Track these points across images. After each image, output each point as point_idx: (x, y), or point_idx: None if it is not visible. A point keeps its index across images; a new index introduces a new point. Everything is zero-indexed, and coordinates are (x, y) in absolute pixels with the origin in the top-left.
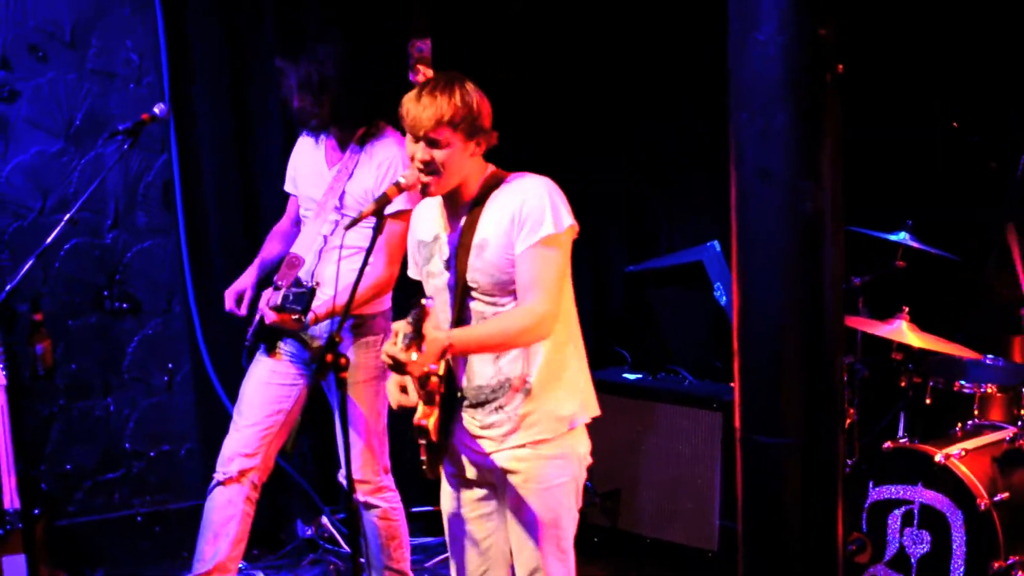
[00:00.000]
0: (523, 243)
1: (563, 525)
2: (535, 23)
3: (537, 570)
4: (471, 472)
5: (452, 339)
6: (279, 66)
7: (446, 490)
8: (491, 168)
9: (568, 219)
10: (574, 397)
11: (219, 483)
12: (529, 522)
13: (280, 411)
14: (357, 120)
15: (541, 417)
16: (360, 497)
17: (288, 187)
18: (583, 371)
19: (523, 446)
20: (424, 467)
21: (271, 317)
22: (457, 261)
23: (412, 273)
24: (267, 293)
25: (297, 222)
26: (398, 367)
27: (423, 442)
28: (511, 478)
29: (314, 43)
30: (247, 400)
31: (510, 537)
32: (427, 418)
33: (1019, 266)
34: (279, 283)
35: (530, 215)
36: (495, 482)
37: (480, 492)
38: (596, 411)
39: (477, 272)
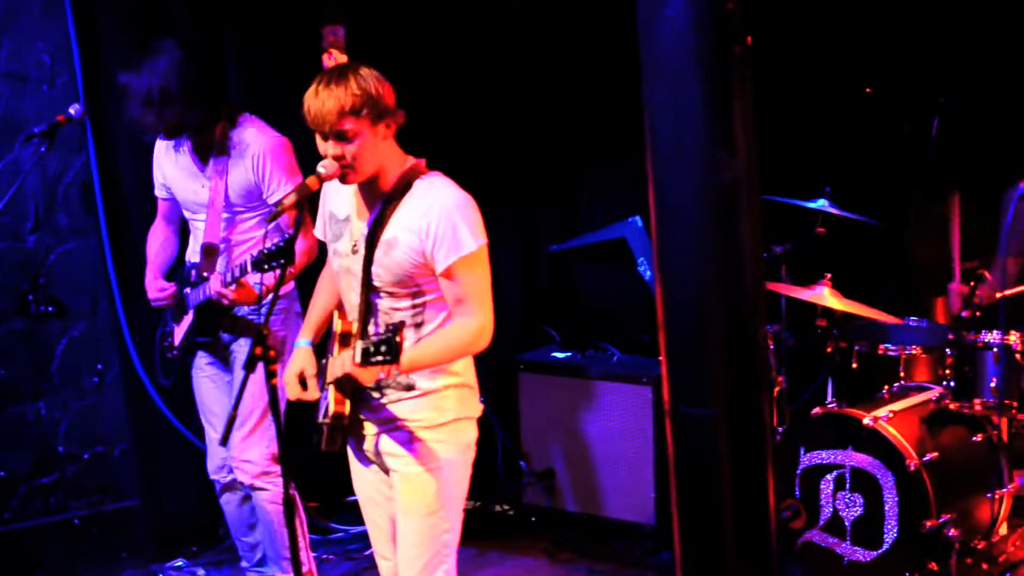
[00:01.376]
0: (443, 263)
1: (441, 511)
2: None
3: (415, 555)
4: (369, 452)
5: (405, 363)
6: (121, 82)
7: (356, 474)
8: (411, 161)
9: (481, 235)
10: (462, 390)
11: (224, 488)
12: (405, 507)
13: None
14: (206, 122)
15: (425, 406)
16: (248, 480)
17: (159, 192)
18: (467, 365)
19: (400, 430)
20: (321, 444)
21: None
22: (366, 251)
23: (318, 234)
24: (200, 290)
25: (169, 222)
26: (348, 382)
27: (328, 424)
28: (390, 461)
29: (152, 56)
30: (211, 409)
31: (397, 525)
32: (342, 405)
33: (956, 232)
34: (204, 273)
35: (444, 235)
36: (384, 466)
37: (380, 472)
38: (477, 412)
39: (382, 268)
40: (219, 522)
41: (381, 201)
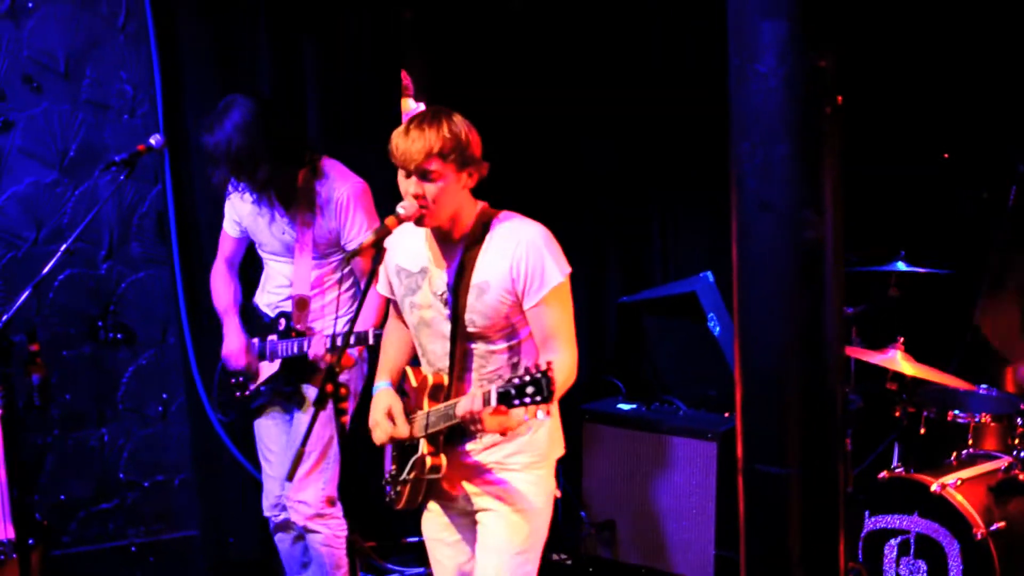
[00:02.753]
0: (533, 299)
1: (528, 553)
2: (533, 44)
3: None
4: (447, 497)
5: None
6: (203, 144)
7: (429, 515)
8: (481, 204)
9: (566, 266)
10: (547, 434)
11: (277, 527)
12: (494, 546)
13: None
14: (286, 172)
15: (514, 451)
16: (301, 521)
17: (231, 229)
18: (555, 411)
19: (494, 475)
20: (400, 502)
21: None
22: (456, 299)
23: (383, 291)
24: (292, 344)
25: (232, 265)
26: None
27: (412, 480)
28: (480, 502)
29: (224, 113)
30: (269, 446)
31: (477, 560)
32: (438, 459)
33: None
34: (297, 326)
35: (534, 270)
36: (468, 507)
37: (457, 516)
38: (562, 450)
39: (476, 314)
40: (275, 557)
41: (460, 247)
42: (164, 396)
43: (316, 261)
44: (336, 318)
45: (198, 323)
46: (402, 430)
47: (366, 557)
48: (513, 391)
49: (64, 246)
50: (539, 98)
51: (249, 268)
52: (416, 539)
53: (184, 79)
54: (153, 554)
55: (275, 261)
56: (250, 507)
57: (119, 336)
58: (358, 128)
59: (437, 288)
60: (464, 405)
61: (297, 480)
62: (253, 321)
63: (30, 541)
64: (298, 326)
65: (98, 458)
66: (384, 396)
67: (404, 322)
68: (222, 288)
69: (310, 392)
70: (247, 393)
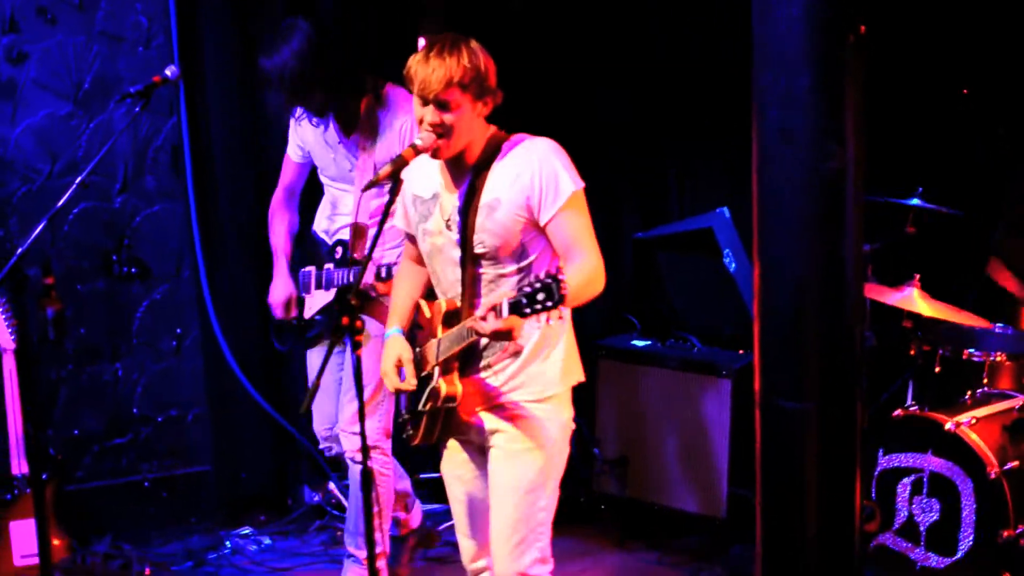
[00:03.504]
0: (549, 211)
1: (541, 489)
2: None
3: (511, 533)
4: (463, 432)
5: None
6: (261, 67)
7: (446, 455)
8: (492, 129)
9: (579, 179)
10: (560, 363)
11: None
12: (506, 484)
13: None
14: (349, 98)
15: (526, 380)
16: (351, 452)
17: (294, 154)
18: (570, 338)
19: (505, 406)
20: (416, 437)
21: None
22: (465, 222)
23: (399, 224)
24: (347, 272)
25: (292, 195)
26: (504, 335)
27: (428, 411)
28: (492, 438)
29: (285, 38)
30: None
31: (490, 498)
32: (453, 386)
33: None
34: (355, 255)
35: (548, 181)
36: (482, 441)
37: (473, 452)
38: (581, 377)
39: (486, 233)
40: (288, 493)
41: (470, 172)
42: (178, 331)
43: (376, 193)
44: (390, 248)
45: (212, 257)
46: (410, 383)
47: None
48: (524, 300)
49: (79, 179)
50: (554, 50)
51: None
52: (431, 475)
53: (199, 10)
54: (166, 489)
55: (335, 188)
56: (263, 442)
57: (133, 270)
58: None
59: (447, 212)
60: (487, 326)
61: (353, 412)
62: (311, 248)
63: (44, 476)
64: (355, 255)
65: (112, 393)
66: (394, 344)
67: (415, 260)
68: (278, 222)
69: (369, 325)
70: (303, 321)
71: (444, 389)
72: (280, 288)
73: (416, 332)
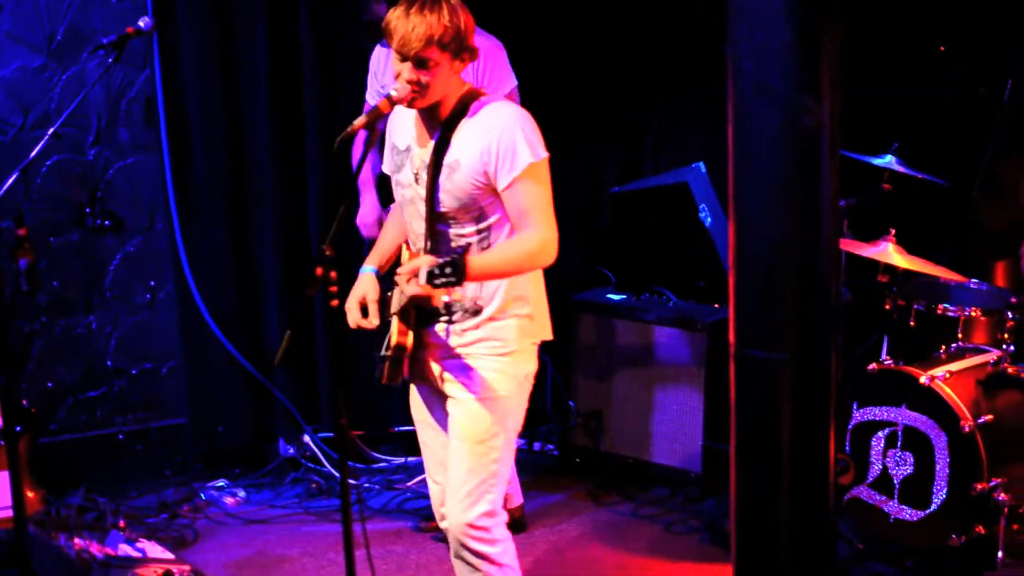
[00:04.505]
0: (505, 178)
1: (493, 440)
2: None
3: (461, 483)
4: (429, 377)
5: (471, 271)
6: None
7: (413, 397)
8: (468, 86)
9: (542, 150)
10: (522, 321)
11: None
12: (459, 434)
13: None
14: None
15: (485, 336)
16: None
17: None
18: (538, 296)
19: (463, 358)
20: (382, 377)
21: None
22: (429, 178)
23: (387, 169)
24: None
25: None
26: (411, 312)
27: (390, 356)
28: (449, 387)
29: None
30: None
31: (449, 450)
32: (404, 336)
33: None
34: None
35: (507, 149)
36: (442, 391)
37: (437, 399)
38: (548, 335)
39: (445, 193)
40: (263, 445)
41: (440, 127)
42: (152, 283)
43: None
44: None
45: (187, 210)
46: (372, 321)
47: (355, 446)
48: (436, 271)
49: (51, 130)
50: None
51: None
52: (404, 428)
53: None
54: (141, 442)
55: None
56: (238, 395)
57: (107, 223)
58: (350, 9)
59: (416, 165)
60: (407, 288)
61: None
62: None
63: (17, 428)
64: None
65: (86, 345)
66: (362, 281)
67: None
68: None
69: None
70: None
71: (395, 339)
72: (369, 208)
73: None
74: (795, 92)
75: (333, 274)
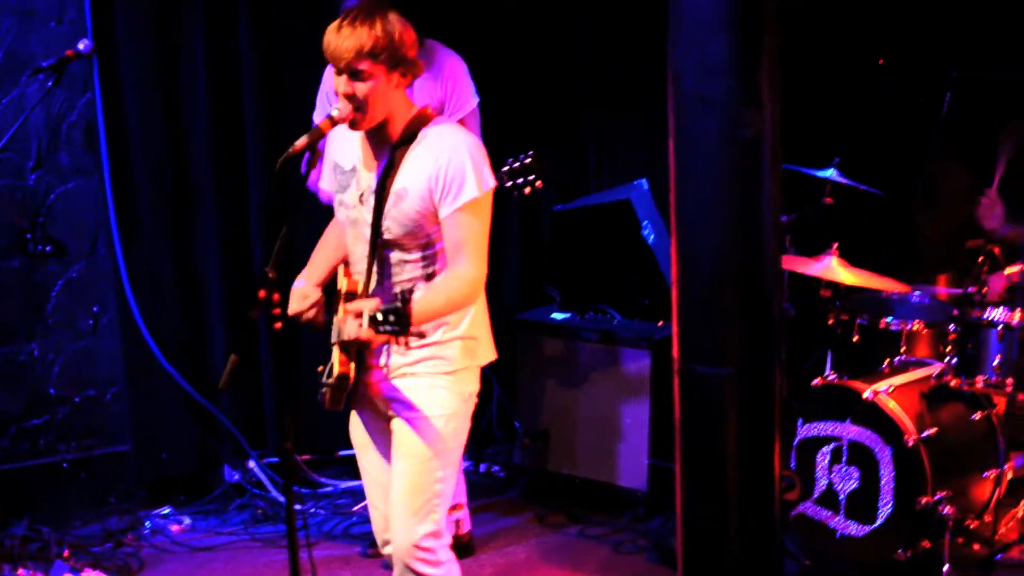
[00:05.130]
0: (448, 207)
1: (438, 459)
2: None
3: (406, 502)
4: (372, 400)
5: (414, 319)
6: None
7: (354, 422)
8: (416, 109)
9: (489, 181)
10: (464, 343)
11: None
12: (403, 452)
13: None
14: None
15: (428, 357)
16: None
17: None
18: (481, 317)
19: (406, 379)
20: (326, 404)
21: None
22: (376, 203)
23: (325, 185)
24: None
25: None
26: (355, 345)
27: (332, 384)
28: (394, 407)
29: None
30: None
31: (392, 471)
32: (347, 367)
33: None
34: None
35: (453, 179)
36: (385, 413)
37: (379, 423)
38: (492, 356)
39: (392, 220)
40: (208, 471)
41: (389, 150)
42: (95, 309)
43: None
44: None
45: (129, 235)
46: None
47: (300, 471)
48: (380, 317)
49: None
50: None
51: None
52: (350, 452)
53: None
54: (85, 470)
55: None
56: (183, 421)
57: (48, 248)
58: (291, 26)
59: (362, 187)
60: (348, 330)
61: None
62: None
63: None
64: None
65: (28, 373)
66: (298, 289)
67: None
68: None
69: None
70: None
71: (337, 369)
72: None
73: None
74: (734, 104)
75: (276, 296)
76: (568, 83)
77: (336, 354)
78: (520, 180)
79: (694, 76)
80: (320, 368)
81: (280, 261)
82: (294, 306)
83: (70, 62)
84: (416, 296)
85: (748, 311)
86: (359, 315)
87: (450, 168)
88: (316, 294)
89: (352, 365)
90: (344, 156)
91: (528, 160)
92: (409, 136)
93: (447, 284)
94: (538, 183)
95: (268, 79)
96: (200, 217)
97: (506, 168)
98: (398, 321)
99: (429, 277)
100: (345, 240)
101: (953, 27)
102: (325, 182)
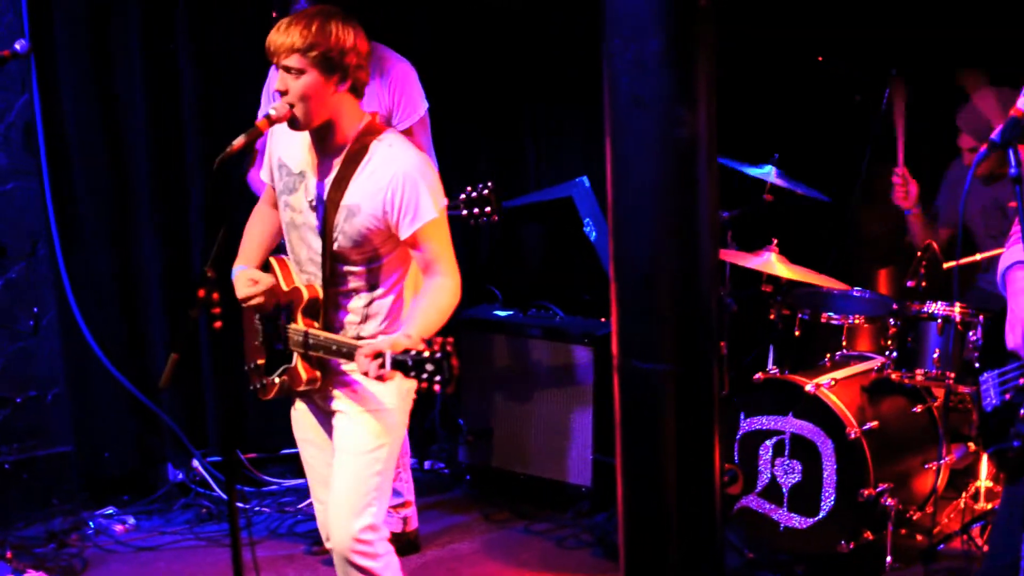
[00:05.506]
0: (407, 229)
1: (377, 452)
2: None
3: (345, 496)
4: (315, 396)
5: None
6: None
7: (297, 416)
8: (368, 118)
9: (442, 199)
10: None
11: None
12: (343, 446)
13: None
14: None
15: None
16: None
17: None
18: None
19: (351, 373)
20: (268, 394)
21: None
22: (325, 214)
23: (264, 177)
24: None
25: None
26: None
27: (282, 382)
28: (336, 403)
29: None
30: None
31: (333, 464)
32: (312, 372)
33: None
34: None
35: (409, 202)
36: (328, 408)
37: (321, 417)
38: None
39: (342, 234)
40: (151, 471)
41: (338, 161)
42: (35, 310)
43: None
44: None
45: (69, 235)
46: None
47: (245, 470)
48: (411, 362)
49: None
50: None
51: None
52: (293, 451)
53: None
54: (27, 471)
55: None
56: (125, 421)
57: None
58: (228, 28)
59: (311, 196)
60: (371, 370)
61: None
62: None
63: None
64: None
65: None
66: (243, 273)
67: (273, 206)
68: None
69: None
70: None
71: (305, 375)
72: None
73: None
74: (669, 103)
75: (215, 295)
76: (508, 78)
77: (298, 362)
78: (476, 211)
79: (629, 76)
80: (259, 361)
81: (219, 261)
82: (243, 291)
83: (7, 62)
84: (415, 324)
85: (684, 308)
86: (379, 355)
87: (405, 191)
88: (265, 278)
89: (319, 372)
90: (292, 158)
91: (486, 192)
92: (359, 149)
93: (435, 299)
94: (494, 216)
95: (206, 79)
96: (140, 217)
97: (463, 196)
98: (439, 371)
99: (372, 288)
100: (274, 227)
101: (892, 26)
102: (264, 174)
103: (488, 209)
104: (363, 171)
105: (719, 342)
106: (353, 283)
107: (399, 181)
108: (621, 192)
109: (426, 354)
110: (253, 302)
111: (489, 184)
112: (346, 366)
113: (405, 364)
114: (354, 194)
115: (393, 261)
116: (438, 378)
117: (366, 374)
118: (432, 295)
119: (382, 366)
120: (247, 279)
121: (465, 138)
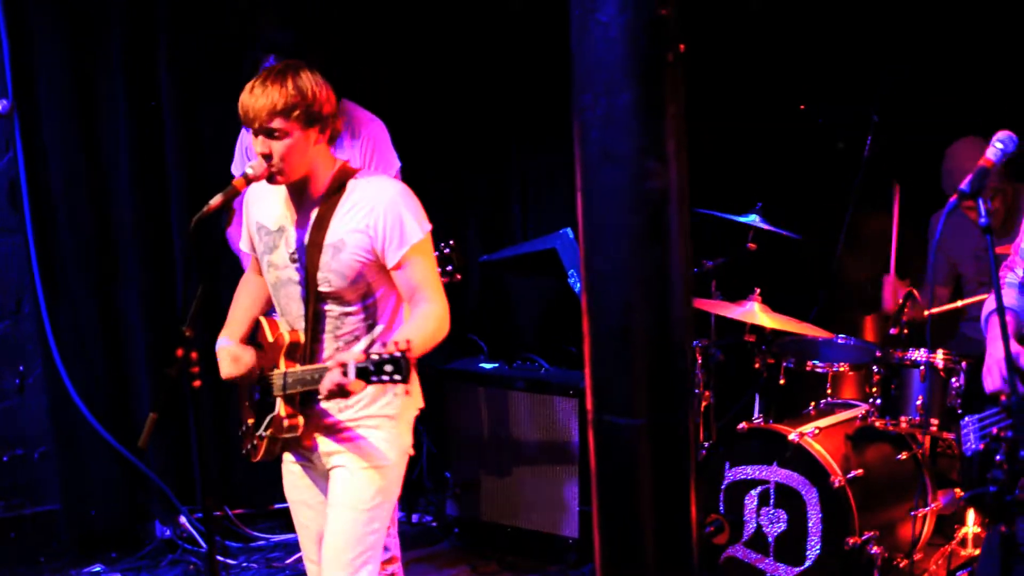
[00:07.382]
0: (394, 255)
1: (376, 510)
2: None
3: (342, 552)
4: (309, 453)
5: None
6: None
7: (289, 477)
8: (340, 163)
9: (426, 223)
10: (401, 396)
11: None
12: (341, 502)
13: None
14: None
15: (362, 408)
16: None
17: None
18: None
19: (345, 431)
20: (257, 455)
21: None
22: (308, 259)
23: (245, 247)
24: None
25: None
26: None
27: (282, 438)
28: (332, 459)
29: None
30: None
31: (328, 521)
32: (295, 419)
33: (896, 221)
34: None
35: (393, 227)
36: (324, 465)
37: (316, 477)
38: (422, 404)
39: (331, 272)
40: (139, 527)
41: (316, 206)
42: (21, 368)
43: None
44: None
45: (54, 292)
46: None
47: (233, 525)
48: (372, 367)
49: None
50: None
51: None
52: (283, 506)
53: (32, 44)
54: (14, 530)
55: None
56: (112, 478)
57: None
58: (213, 90)
59: (291, 249)
60: (330, 381)
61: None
62: None
63: None
64: None
65: None
66: (226, 350)
67: (259, 274)
68: None
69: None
70: None
71: (287, 422)
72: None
73: (256, 350)
74: (640, 157)
75: (194, 355)
76: (489, 134)
77: (281, 407)
78: (439, 270)
79: (600, 130)
80: (249, 421)
81: (197, 319)
82: (227, 369)
83: None
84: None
85: (658, 362)
86: (342, 365)
87: (388, 217)
88: (248, 355)
89: (300, 417)
90: (268, 217)
91: (448, 251)
92: (335, 188)
93: (422, 324)
94: (456, 276)
95: (189, 135)
96: (124, 273)
97: None
98: (398, 370)
99: (371, 327)
100: (261, 294)
101: (874, 73)
102: (245, 244)
103: (450, 268)
104: (342, 207)
105: (694, 395)
106: (350, 325)
107: (381, 209)
108: (593, 246)
109: (386, 355)
110: (235, 379)
111: (451, 243)
112: (340, 415)
113: (367, 370)
114: (336, 231)
115: (387, 294)
116: (398, 377)
117: (330, 391)
118: (417, 321)
119: (345, 374)
120: (230, 356)
121: (450, 191)
